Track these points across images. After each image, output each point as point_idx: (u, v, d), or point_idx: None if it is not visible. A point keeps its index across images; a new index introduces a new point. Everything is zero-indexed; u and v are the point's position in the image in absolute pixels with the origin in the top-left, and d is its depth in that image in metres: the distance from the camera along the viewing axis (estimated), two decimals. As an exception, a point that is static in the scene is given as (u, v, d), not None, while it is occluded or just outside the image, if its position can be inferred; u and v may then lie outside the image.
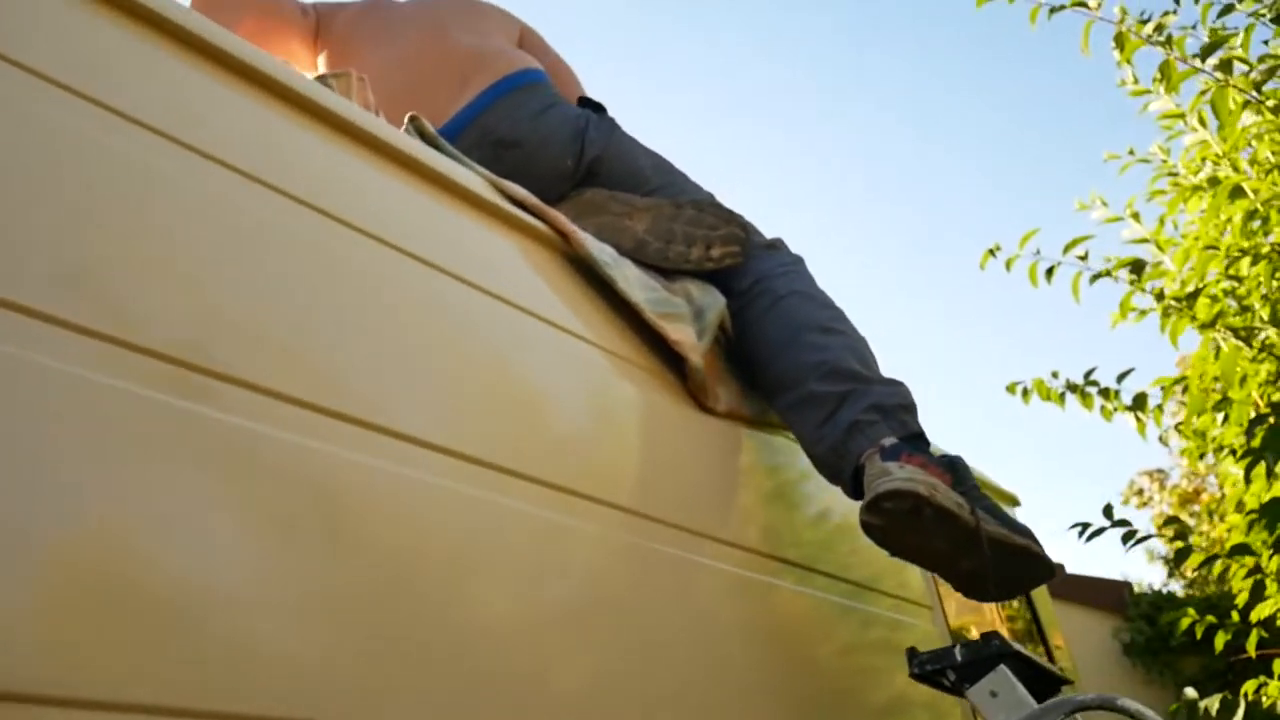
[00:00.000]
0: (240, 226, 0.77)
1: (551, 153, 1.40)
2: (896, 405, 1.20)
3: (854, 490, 1.19)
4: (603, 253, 1.20)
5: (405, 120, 1.18)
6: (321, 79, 1.13)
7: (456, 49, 1.45)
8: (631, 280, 1.22)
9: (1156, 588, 8.04)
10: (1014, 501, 2.42)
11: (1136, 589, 7.48)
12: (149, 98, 0.76)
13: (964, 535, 1.09)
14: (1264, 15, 1.83)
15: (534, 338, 1.05)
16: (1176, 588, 8.55)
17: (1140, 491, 11.08)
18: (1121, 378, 3.00)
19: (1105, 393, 2.96)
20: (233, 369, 0.69)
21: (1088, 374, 3.12)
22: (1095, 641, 6.21)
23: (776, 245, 1.40)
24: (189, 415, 0.65)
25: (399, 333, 0.87)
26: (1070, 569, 6.15)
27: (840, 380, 1.22)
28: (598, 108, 1.52)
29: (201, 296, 0.71)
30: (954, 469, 1.14)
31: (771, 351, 1.29)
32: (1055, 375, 3.15)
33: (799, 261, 1.38)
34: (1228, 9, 1.88)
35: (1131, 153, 2.56)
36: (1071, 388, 3.06)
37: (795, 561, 1.31)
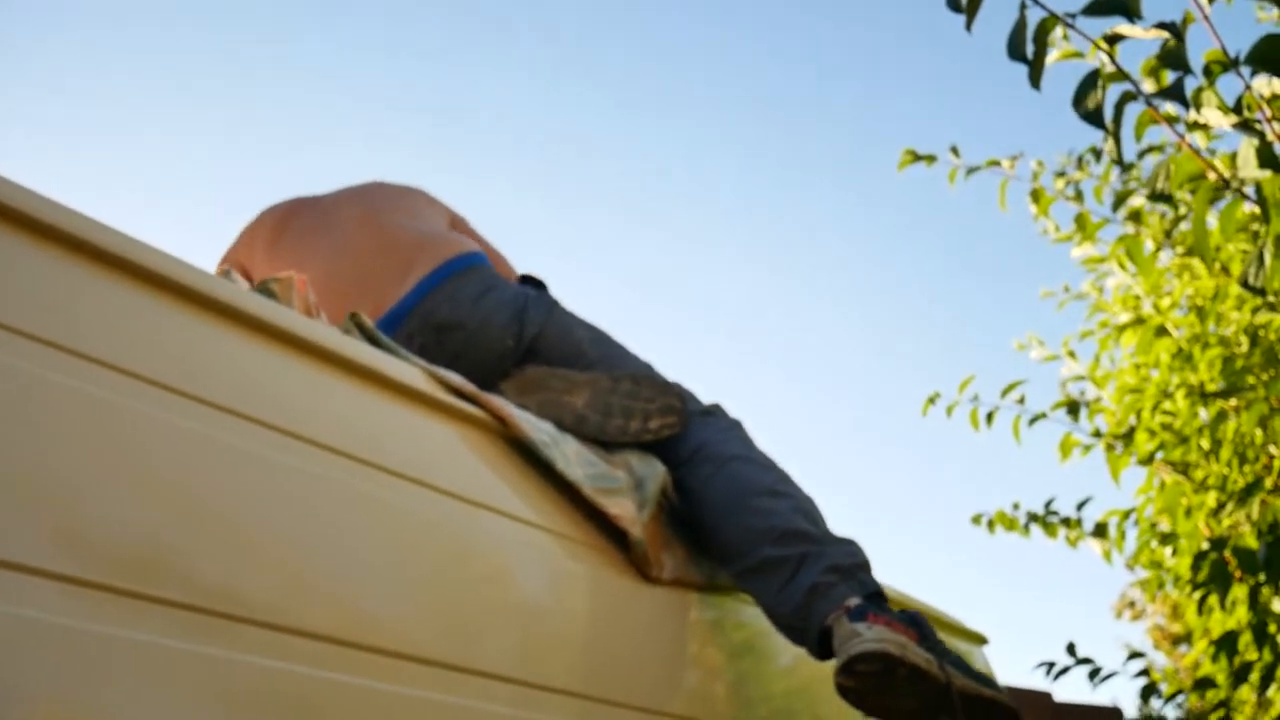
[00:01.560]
0: (205, 455, 0.80)
1: (492, 333, 1.44)
2: (853, 565, 1.24)
3: (820, 652, 1.21)
4: (540, 432, 1.23)
5: (346, 318, 1.23)
6: (263, 284, 1.18)
7: (396, 235, 1.49)
8: (570, 457, 1.25)
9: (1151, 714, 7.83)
10: (981, 640, 2.41)
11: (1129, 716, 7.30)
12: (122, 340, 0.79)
13: (935, 692, 1.12)
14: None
15: (481, 529, 1.07)
16: (1171, 712, 8.35)
17: (1132, 604, 10.93)
18: (1080, 506, 3.05)
19: (1067, 522, 3.00)
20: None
21: (1047, 504, 3.17)
22: (1092, 777, 6.02)
23: (714, 411, 1.44)
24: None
25: (354, 544, 0.89)
26: (1060, 696, 6.02)
27: (793, 543, 1.25)
28: (538, 285, 1.58)
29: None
30: (918, 625, 1.17)
31: (718, 518, 1.32)
32: (1016, 506, 3.19)
33: (738, 425, 1.42)
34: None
35: (1066, 289, 2.68)
36: (1034, 518, 3.10)
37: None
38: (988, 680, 1.17)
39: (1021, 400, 2.14)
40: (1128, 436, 1.99)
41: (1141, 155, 1.75)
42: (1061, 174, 1.98)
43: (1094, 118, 0.99)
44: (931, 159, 1.99)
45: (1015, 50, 1.05)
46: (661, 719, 1.14)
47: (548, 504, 1.21)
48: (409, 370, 1.16)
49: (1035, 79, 1.06)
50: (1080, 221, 2.01)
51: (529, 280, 1.60)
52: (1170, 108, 1.10)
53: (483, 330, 1.43)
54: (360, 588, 0.88)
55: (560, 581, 1.16)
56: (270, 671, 0.76)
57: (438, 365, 1.39)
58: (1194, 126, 1.08)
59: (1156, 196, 1.04)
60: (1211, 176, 1.05)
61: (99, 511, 0.72)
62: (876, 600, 1.19)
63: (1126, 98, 1.07)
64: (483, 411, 1.20)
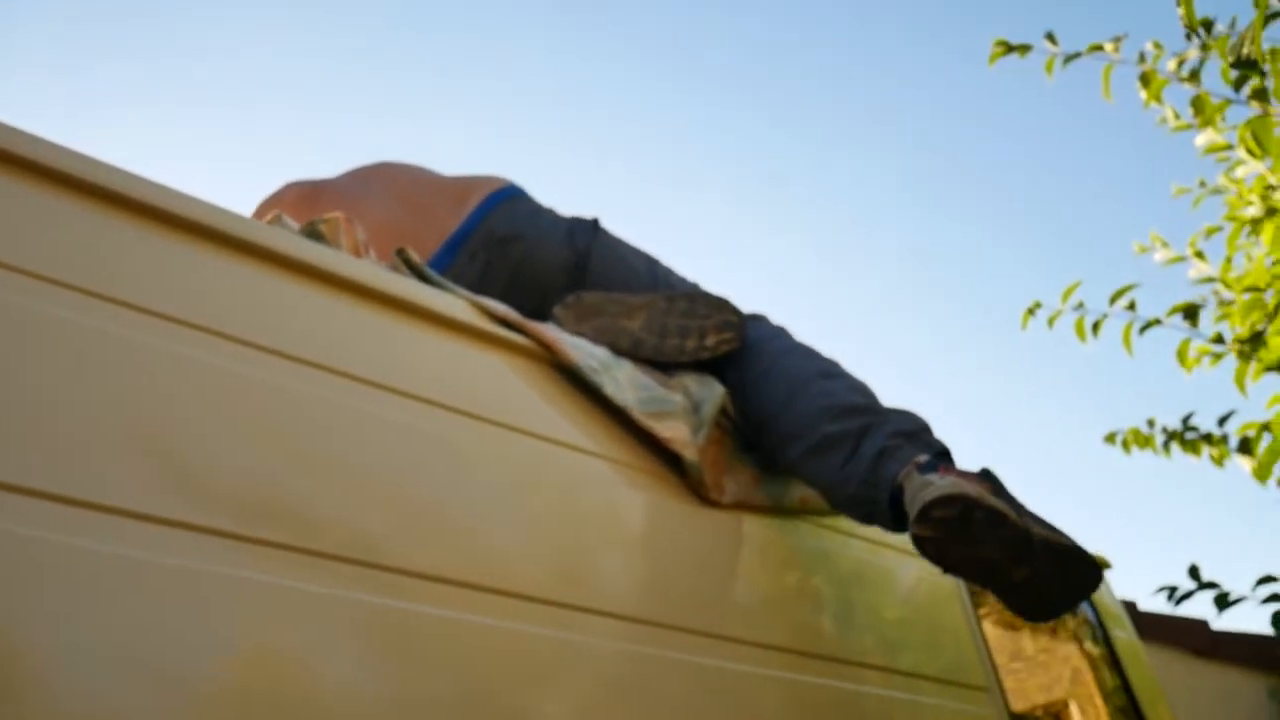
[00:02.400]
0: (279, 404, 0.85)
1: (550, 245, 1.48)
2: (917, 429, 1.21)
3: (894, 521, 1.17)
4: (589, 358, 1.22)
5: (394, 255, 1.24)
6: (310, 225, 1.21)
7: (441, 181, 1.59)
8: (623, 382, 1.24)
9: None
10: (1104, 564, 2.29)
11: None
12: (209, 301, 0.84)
13: (1015, 538, 1.07)
14: None
15: (534, 458, 1.07)
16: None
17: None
18: (1223, 421, 2.83)
19: (1209, 438, 2.79)
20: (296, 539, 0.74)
21: (1185, 419, 2.96)
22: (1248, 704, 5.71)
23: (759, 318, 1.43)
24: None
25: (424, 480, 0.92)
26: (1216, 625, 5.70)
27: (853, 417, 1.23)
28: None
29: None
30: (991, 478, 1.13)
31: (776, 409, 1.30)
32: (1151, 424, 3.00)
33: (784, 328, 1.41)
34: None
35: (1203, 184, 2.45)
36: (1173, 435, 2.90)
37: (827, 655, 1.27)
38: (1069, 535, 1.11)
39: (1132, 306, 1.98)
40: (1255, 340, 1.82)
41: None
42: (1176, 56, 1.79)
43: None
44: (1026, 49, 1.84)
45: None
46: (718, 642, 1.13)
47: (600, 430, 1.20)
48: (456, 303, 1.16)
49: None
50: (1198, 105, 1.83)
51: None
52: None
53: (541, 241, 1.47)
54: (416, 522, 0.90)
55: (616, 507, 1.15)
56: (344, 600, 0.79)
57: (502, 276, 1.42)
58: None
59: (1241, 64, 0.92)
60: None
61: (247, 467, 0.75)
62: (945, 457, 1.16)
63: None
64: (530, 341, 1.20)
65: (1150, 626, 4.69)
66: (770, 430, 1.30)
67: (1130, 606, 4.75)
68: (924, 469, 1.11)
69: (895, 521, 1.17)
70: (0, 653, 0.60)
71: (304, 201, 1.58)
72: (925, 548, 1.10)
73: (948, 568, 1.12)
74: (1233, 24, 1.37)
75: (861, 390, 1.28)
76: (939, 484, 1.07)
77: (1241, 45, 0.93)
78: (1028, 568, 1.08)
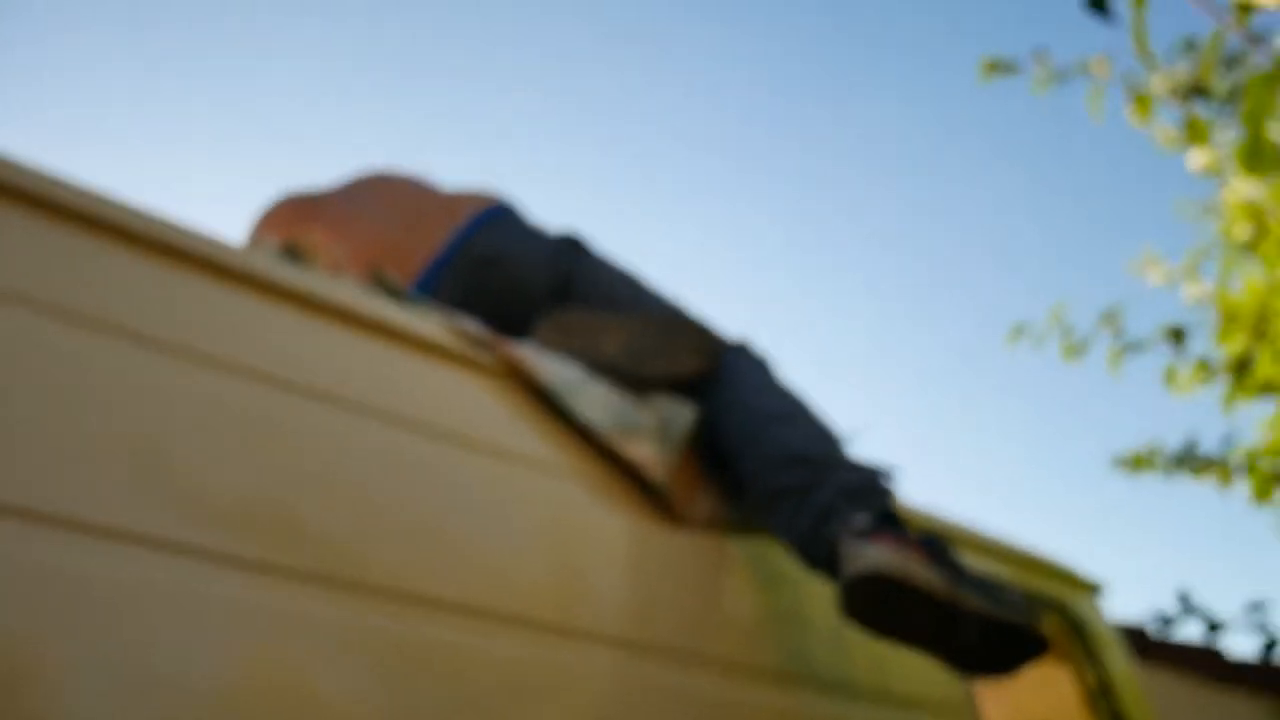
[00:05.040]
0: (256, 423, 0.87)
1: (532, 265, 1.48)
2: (863, 487, 1.19)
3: (834, 577, 1.17)
4: (559, 377, 1.23)
5: (372, 275, 1.26)
6: (288, 244, 1.23)
7: (432, 196, 1.57)
8: (595, 401, 1.25)
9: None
10: (1093, 588, 2.27)
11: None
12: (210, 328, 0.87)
13: (943, 613, 1.07)
14: None
15: (503, 478, 1.08)
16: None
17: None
18: (1224, 446, 2.81)
19: (1211, 463, 2.77)
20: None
21: (1189, 446, 2.94)
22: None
23: (740, 345, 1.42)
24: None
25: (409, 500, 0.94)
26: (1238, 651, 5.60)
27: (804, 469, 1.22)
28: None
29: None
30: (930, 544, 1.12)
31: (736, 447, 1.30)
32: (1153, 451, 2.97)
33: (763, 360, 1.39)
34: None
35: (1199, 204, 2.44)
36: (1179, 460, 2.87)
37: (816, 677, 1.27)
38: (1013, 602, 1.09)
39: (1116, 329, 1.97)
40: (1244, 364, 1.81)
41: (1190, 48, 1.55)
42: (1165, 74, 1.79)
43: (1099, 5, 0.88)
44: (1012, 68, 1.84)
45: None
46: (712, 664, 1.14)
47: (577, 449, 1.21)
48: (429, 324, 1.18)
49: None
50: (1190, 125, 1.82)
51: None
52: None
53: (525, 263, 1.47)
54: (397, 544, 0.91)
55: (599, 527, 1.16)
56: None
57: (486, 296, 1.43)
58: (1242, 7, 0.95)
59: (1197, 91, 0.92)
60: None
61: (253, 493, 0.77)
62: (887, 520, 1.14)
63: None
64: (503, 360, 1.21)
65: (1161, 653, 4.62)
66: (730, 469, 1.31)
67: (1139, 634, 4.69)
68: (859, 535, 1.11)
69: (836, 579, 1.16)
70: (10, 669, 0.63)
71: (298, 214, 1.60)
72: (852, 617, 1.11)
73: (879, 635, 1.12)
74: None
75: (821, 437, 1.26)
76: (868, 555, 1.07)
77: (1204, 71, 0.93)
78: (959, 640, 1.08)
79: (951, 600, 1.05)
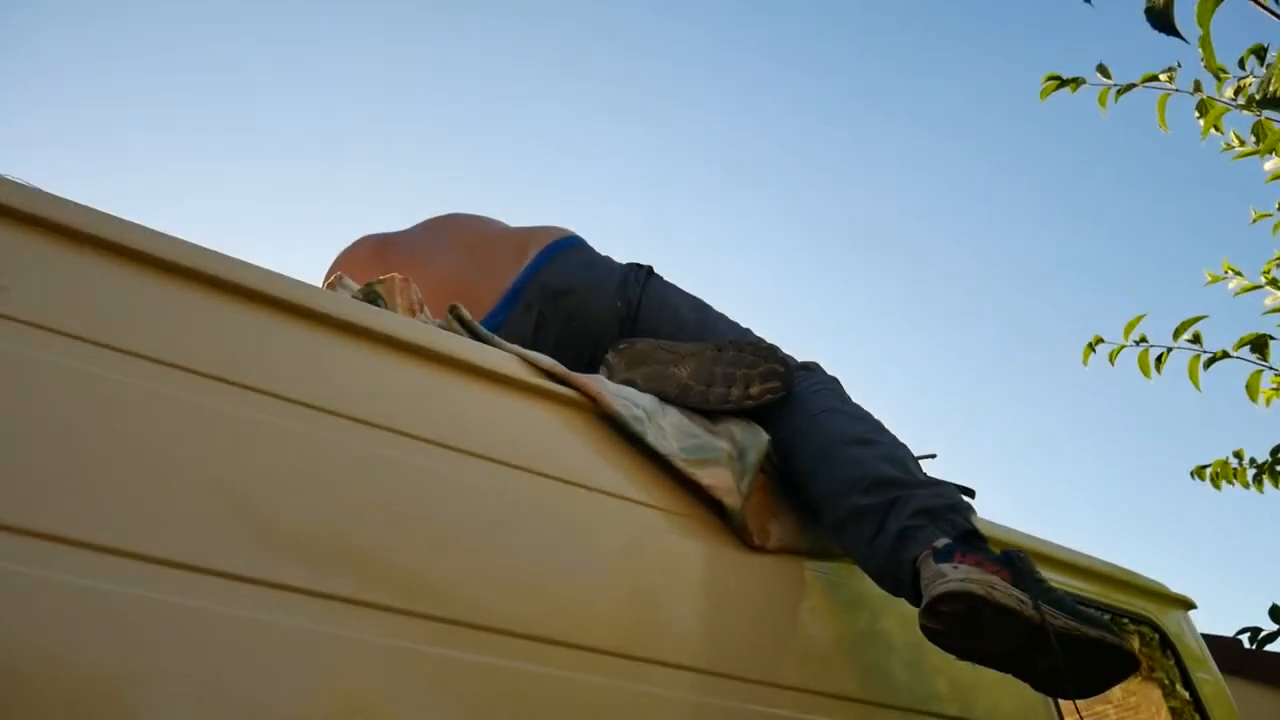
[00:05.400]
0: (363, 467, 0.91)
1: (602, 296, 1.51)
2: (943, 506, 1.19)
3: (916, 600, 1.16)
4: (633, 407, 1.25)
5: (447, 312, 1.30)
6: (368, 286, 1.28)
7: (503, 232, 1.63)
8: (667, 430, 1.26)
9: None
10: (1187, 604, 2.20)
11: None
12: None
13: (1029, 633, 1.05)
14: None
15: (581, 509, 1.09)
16: None
17: None
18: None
19: (1300, 471, 2.68)
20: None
21: (1275, 451, 2.84)
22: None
23: (811, 368, 1.43)
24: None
25: (487, 534, 0.97)
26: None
27: (882, 490, 1.22)
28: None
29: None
30: (1012, 564, 1.11)
31: (810, 470, 1.30)
32: (1239, 456, 2.88)
33: (834, 381, 1.40)
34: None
35: (1281, 208, 2.38)
36: (1262, 468, 2.79)
37: (898, 704, 1.27)
38: (1098, 621, 1.08)
39: (1197, 339, 1.93)
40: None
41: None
42: (1234, 84, 1.76)
43: (1163, 21, 0.87)
44: (1078, 82, 1.83)
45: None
46: (790, 692, 1.14)
47: (650, 479, 1.23)
48: (504, 358, 1.21)
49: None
50: (1259, 131, 1.78)
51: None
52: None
53: (594, 293, 1.51)
54: (477, 576, 0.94)
55: (674, 557, 1.17)
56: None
57: (555, 327, 1.46)
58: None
59: (1268, 103, 0.91)
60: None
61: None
62: (969, 539, 1.13)
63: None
64: (576, 392, 1.24)
65: (1254, 667, 4.45)
66: (804, 493, 1.31)
67: (1234, 643, 4.52)
68: (940, 556, 1.10)
69: (917, 603, 1.15)
70: (99, 699, 0.67)
71: (375, 255, 1.66)
72: (935, 639, 1.10)
73: (961, 657, 1.12)
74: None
75: (895, 460, 1.25)
76: (950, 576, 1.06)
77: (1267, 84, 0.92)
78: (1047, 660, 1.06)
79: (1036, 619, 1.04)
